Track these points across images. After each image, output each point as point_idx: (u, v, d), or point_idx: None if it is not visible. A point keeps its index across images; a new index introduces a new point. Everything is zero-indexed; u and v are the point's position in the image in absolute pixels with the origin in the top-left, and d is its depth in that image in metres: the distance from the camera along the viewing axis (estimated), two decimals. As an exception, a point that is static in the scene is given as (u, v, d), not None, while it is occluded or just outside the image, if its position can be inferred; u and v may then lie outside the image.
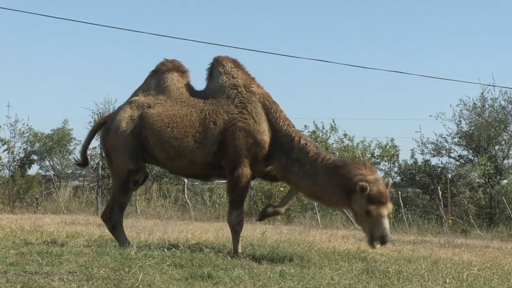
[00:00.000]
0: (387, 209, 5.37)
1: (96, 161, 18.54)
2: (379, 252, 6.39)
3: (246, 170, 5.75)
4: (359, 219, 5.51)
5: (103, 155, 6.65)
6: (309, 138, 6.08)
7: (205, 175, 6.20)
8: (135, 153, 5.97)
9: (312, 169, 5.65)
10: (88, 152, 21.14)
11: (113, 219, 6.07)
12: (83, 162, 6.55)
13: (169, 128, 5.86)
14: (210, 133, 5.82)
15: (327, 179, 5.56)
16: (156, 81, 6.19)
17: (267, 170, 6.09)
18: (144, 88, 6.23)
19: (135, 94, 6.26)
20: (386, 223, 5.34)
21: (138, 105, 6.06)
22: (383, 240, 5.33)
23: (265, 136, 5.83)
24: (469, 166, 17.14)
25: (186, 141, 5.82)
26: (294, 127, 5.95)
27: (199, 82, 6.32)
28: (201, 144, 5.82)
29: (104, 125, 6.28)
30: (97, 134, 7.16)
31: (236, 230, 5.75)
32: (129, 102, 6.18)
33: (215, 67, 6.16)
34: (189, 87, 6.21)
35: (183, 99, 6.03)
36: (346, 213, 13.78)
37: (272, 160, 5.89)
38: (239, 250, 5.72)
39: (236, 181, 5.71)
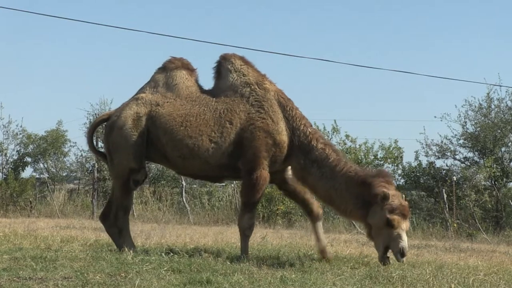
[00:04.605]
0: (406, 224, 5.33)
1: (92, 164, 18.41)
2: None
3: (264, 173, 5.62)
4: (375, 232, 5.38)
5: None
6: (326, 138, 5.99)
7: (218, 176, 6.07)
8: (139, 153, 5.82)
9: (331, 173, 5.57)
10: (83, 154, 20.91)
11: (119, 223, 5.90)
12: (101, 156, 6.47)
13: (183, 127, 5.73)
14: (226, 132, 5.68)
15: (345, 187, 5.50)
16: (165, 78, 6.06)
17: (285, 178, 5.97)
18: (151, 85, 6.09)
19: (142, 91, 6.11)
20: (405, 236, 5.29)
21: (145, 102, 5.92)
22: (402, 253, 5.24)
23: (284, 136, 5.70)
24: (474, 168, 16.94)
25: (200, 140, 5.68)
26: (311, 126, 5.84)
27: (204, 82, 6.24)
28: (217, 144, 5.67)
29: (107, 122, 6.11)
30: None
31: (246, 234, 5.67)
32: (135, 99, 6.03)
33: (223, 65, 6.04)
34: (197, 86, 6.09)
35: (193, 98, 5.91)
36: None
37: (290, 159, 5.76)
38: (247, 252, 5.65)
39: (254, 184, 5.57)
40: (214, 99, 5.88)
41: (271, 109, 5.74)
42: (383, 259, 5.34)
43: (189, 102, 5.86)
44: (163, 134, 5.78)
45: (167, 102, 5.88)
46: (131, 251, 5.50)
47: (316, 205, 5.99)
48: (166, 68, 6.13)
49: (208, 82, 6.19)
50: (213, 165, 5.73)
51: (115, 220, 5.92)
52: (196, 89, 6.03)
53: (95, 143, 18.75)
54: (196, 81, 6.15)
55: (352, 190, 5.47)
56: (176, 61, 6.16)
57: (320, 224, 6.00)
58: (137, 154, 5.82)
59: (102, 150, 6.88)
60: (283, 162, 5.80)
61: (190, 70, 6.16)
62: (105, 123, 6.27)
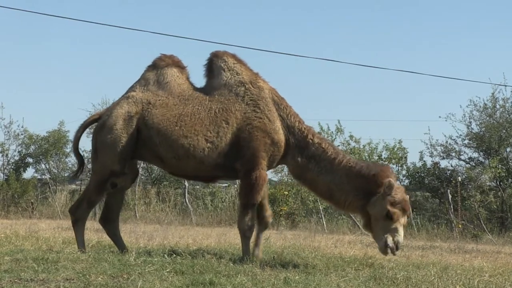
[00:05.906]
0: (405, 219, 5.34)
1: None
2: (387, 258, 6.24)
3: (263, 173, 5.57)
4: (373, 222, 5.37)
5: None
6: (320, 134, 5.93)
7: (212, 177, 6.00)
8: (125, 155, 5.73)
9: (331, 167, 5.54)
10: (85, 154, 20.98)
11: (77, 213, 5.86)
12: (79, 160, 6.31)
13: (177, 127, 5.64)
14: (222, 132, 5.61)
15: (346, 179, 5.48)
16: (155, 76, 5.96)
17: None
18: (141, 84, 5.98)
19: (132, 89, 6.00)
20: (402, 230, 5.30)
21: (136, 101, 5.81)
22: (396, 247, 5.25)
23: (281, 135, 5.66)
24: (479, 169, 16.86)
25: (196, 140, 5.60)
26: (304, 123, 5.79)
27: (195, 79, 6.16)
28: (213, 144, 5.60)
29: (98, 121, 6.01)
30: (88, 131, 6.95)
31: (246, 235, 5.61)
32: (126, 98, 5.91)
33: (215, 63, 5.95)
34: (189, 84, 6.01)
35: (185, 96, 5.82)
36: (353, 217, 13.62)
37: (285, 158, 5.71)
38: (249, 253, 5.60)
39: (253, 184, 5.51)
40: (207, 97, 5.79)
41: (266, 108, 5.68)
42: (384, 250, 5.33)
43: (182, 101, 5.77)
44: (156, 134, 5.69)
45: (159, 100, 5.78)
46: (81, 247, 5.67)
47: (269, 214, 5.89)
48: (156, 66, 6.02)
49: (200, 79, 6.11)
50: (208, 165, 5.65)
51: (76, 209, 5.86)
52: (188, 87, 5.94)
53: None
54: (187, 78, 6.05)
55: (353, 181, 5.43)
56: (166, 58, 6.06)
57: (262, 235, 5.86)
58: (122, 157, 5.72)
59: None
60: (279, 161, 5.76)
61: (181, 67, 6.06)
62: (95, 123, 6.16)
